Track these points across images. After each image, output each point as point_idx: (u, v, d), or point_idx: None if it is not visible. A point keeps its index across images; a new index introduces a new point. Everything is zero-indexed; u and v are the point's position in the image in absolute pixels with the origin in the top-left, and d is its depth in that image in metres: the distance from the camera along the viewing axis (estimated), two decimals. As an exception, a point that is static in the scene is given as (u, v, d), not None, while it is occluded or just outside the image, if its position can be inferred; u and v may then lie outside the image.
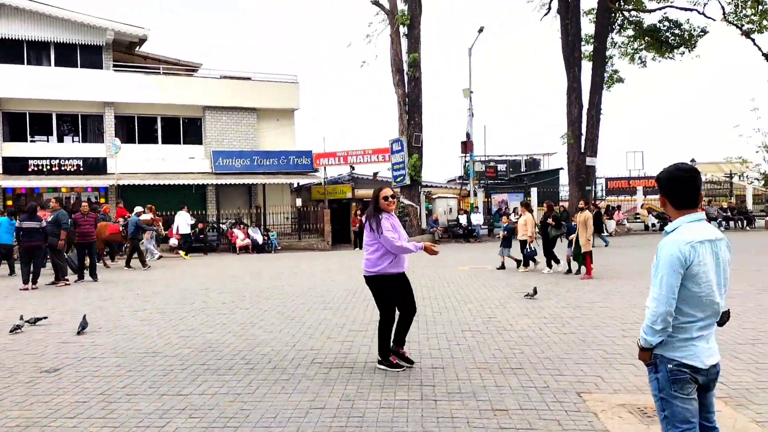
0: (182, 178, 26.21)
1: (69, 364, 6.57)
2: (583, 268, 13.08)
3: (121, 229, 17.61)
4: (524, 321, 8.38)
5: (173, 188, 25.94)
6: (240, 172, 27.43)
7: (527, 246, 14.26)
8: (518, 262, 14.70)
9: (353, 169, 29.39)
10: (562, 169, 31.83)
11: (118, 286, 13.20)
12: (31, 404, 5.25)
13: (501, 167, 34.95)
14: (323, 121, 75.97)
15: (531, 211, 14.63)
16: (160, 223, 20.49)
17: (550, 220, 14.29)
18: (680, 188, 3.09)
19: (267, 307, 10.12)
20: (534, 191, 29.53)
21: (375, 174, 29.82)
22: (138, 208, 17.96)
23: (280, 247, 24.31)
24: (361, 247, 23.82)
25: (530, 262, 14.60)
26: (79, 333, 8.21)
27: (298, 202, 28.40)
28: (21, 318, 8.52)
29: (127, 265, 17.02)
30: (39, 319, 8.79)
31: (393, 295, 6.05)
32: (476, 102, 41.88)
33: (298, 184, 30.31)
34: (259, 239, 23.76)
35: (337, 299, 10.83)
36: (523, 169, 38.89)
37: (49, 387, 5.74)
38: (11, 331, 8.22)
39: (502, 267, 14.94)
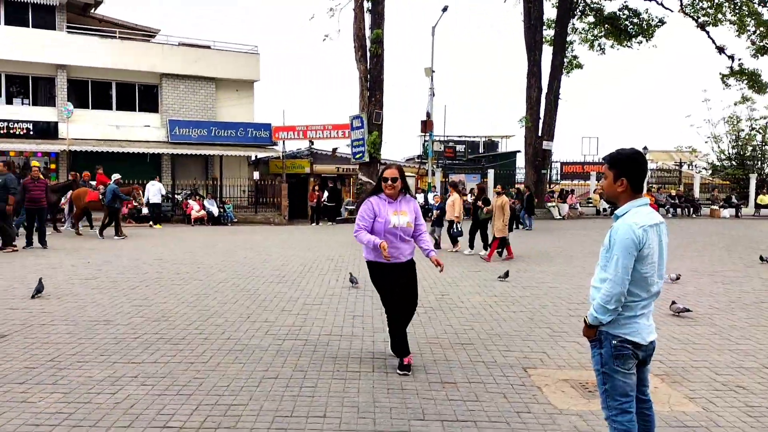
0: (136, 147, 25.61)
1: (17, 331, 6.46)
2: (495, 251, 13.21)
3: (99, 196, 17.12)
4: (476, 299, 8.59)
5: (127, 156, 25.34)
6: (197, 142, 26.95)
7: (453, 226, 14.37)
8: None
9: (312, 144, 29.20)
10: (519, 151, 32.30)
11: (69, 254, 12.91)
12: (-23, 370, 5.16)
13: (459, 148, 35.12)
14: (283, 95, 74.96)
15: (459, 192, 14.77)
16: (139, 192, 19.93)
17: (480, 203, 14.49)
18: (641, 172, 3.21)
19: (221, 279, 10.09)
20: (491, 173, 29.89)
21: (334, 150, 29.73)
22: (116, 176, 17.42)
23: (236, 220, 24.07)
24: (317, 223, 23.91)
25: (457, 242, 14.75)
26: (33, 297, 8.08)
27: (256, 175, 28.11)
28: None
29: (117, 233, 16.56)
30: None
31: (381, 283, 5.29)
32: (438, 82, 41.99)
33: (256, 157, 29.95)
34: (215, 211, 23.48)
35: (293, 273, 10.86)
36: (481, 150, 39.27)
37: (-4, 353, 5.64)
38: None
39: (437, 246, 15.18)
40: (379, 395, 4.68)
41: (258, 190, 27.46)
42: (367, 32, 25.19)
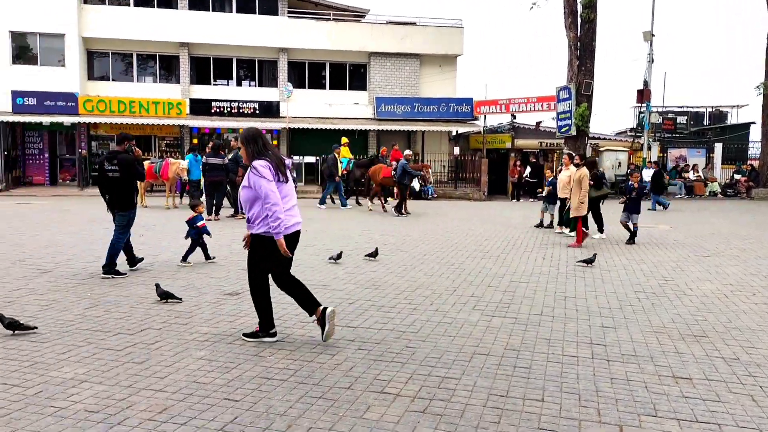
0: (347, 123, 27.01)
1: (248, 290, 7.06)
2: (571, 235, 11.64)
3: (392, 172, 16.99)
4: (706, 286, 7.65)
5: (337, 132, 26.83)
6: (401, 118, 27.69)
7: (567, 204, 12.55)
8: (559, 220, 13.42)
9: (514, 117, 28.41)
10: (753, 123, 28.39)
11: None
12: (218, 323, 5.73)
13: (681, 119, 31.75)
14: (486, 68, 73.99)
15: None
16: (429, 170, 19.11)
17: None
18: None
19: (426, 251, 10.20)
20: (718, 147, 26.72)
21: (538, 123, 28.66)
22: (408, 152, 17.39)
23: (435, 195, 24.38)
24: (518, 199, 23.31)
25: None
26: (331, 259, 8.95)
27: (456, 150, 28.13)
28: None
29: (398, 210, 16.51)
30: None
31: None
32: (657, 47, 38.14)
33: (456, 132, 30.01)
34: (416, 186, 23.91)
35: (497, 249, 10.65)
36: (706, 122, 35.16)
37: (232, 309, 6.23)
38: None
39: (540, 225, 13.96)
40: (601, 384, 4.31)
41: (458, 166, 27.52)
42: (578, -3, 23.68)
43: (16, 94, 24.10)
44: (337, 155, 18.26)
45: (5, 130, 24.97)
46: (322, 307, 5.08)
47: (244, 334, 5.26)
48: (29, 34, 25.03)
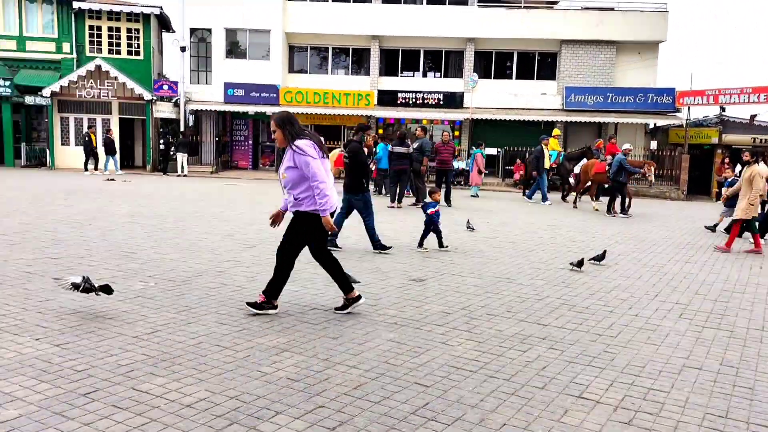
0: (532, 114, 26.22)
1: (432, 277, 7.09)
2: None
3: (606, 168, 15.47)
4: None
5: (521, 124, 26.22)
6: (591, 109, 26.24)
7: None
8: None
9: (723, 110, 25.56)
10: None
11: (470, 214, 13.90)
12: (404, 307, 5.76)
13: None
14: (693, 55, 67.49)
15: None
16: (652, 168, 16.32)
17: None
18: None
19: (620, 251, 9.52)
20: None
21: (752, 117, 25.51)
22: (626, 146, 15.42)
23: (627, 192, 22.72)
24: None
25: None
26: (571, 264, 8.01)
27: (653, 144, 26.06)
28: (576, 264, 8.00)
29: (608, 210, 15.04)
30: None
31: None
32: None
33: (654, 124, 27.74)
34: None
35: (702, 253, 9.69)
36: None
37: (417, 294, 6.25)
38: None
39: (713, 228, 12.31)
40: None
41: (654, 161, 25.43)
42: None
43: (227, 86, 26.68)
44: (544, 147, 17.46)
45: (217, 118, 27.85)
46: (357, 293, 5.45)
47: (250, 304, 5.32)
48: (239, 31, 27.54)
